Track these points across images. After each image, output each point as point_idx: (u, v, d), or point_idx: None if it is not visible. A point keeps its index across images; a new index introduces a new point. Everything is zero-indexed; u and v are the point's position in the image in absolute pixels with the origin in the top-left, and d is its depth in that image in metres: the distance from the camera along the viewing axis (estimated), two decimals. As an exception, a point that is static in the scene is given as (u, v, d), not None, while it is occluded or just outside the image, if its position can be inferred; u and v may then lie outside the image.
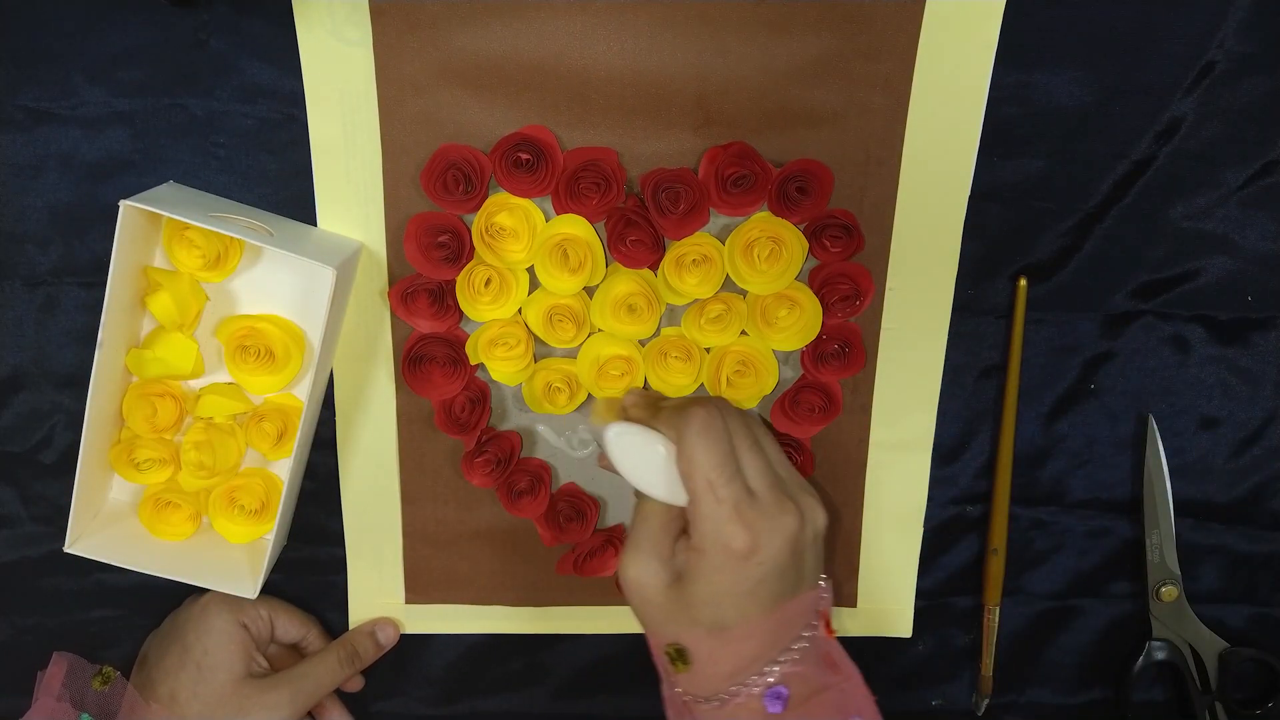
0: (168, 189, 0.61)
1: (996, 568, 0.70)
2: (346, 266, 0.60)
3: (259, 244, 0.58)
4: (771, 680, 0.54)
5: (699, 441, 0.54)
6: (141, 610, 0.71)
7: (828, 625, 0.58)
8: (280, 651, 0.69)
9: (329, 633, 0.71)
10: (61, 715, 0.62)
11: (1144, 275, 0.66)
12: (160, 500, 0.65)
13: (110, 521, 0.65)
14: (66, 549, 0.62)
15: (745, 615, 0.54)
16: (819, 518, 0.57)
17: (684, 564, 0.56)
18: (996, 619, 0.71)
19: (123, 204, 0.56)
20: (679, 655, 0.55)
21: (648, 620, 0.57)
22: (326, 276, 0.57)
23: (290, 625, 0.69)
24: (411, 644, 0.63)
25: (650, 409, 0.59)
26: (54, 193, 0.63)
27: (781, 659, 0.54)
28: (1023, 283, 0.65)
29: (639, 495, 0.58)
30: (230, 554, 0.65)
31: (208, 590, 0.65)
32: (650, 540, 0.56)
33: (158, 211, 0.56)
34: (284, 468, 0.64)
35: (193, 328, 0.63)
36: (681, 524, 0.57)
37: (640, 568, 0.56)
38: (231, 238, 0.59)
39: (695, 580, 0.54)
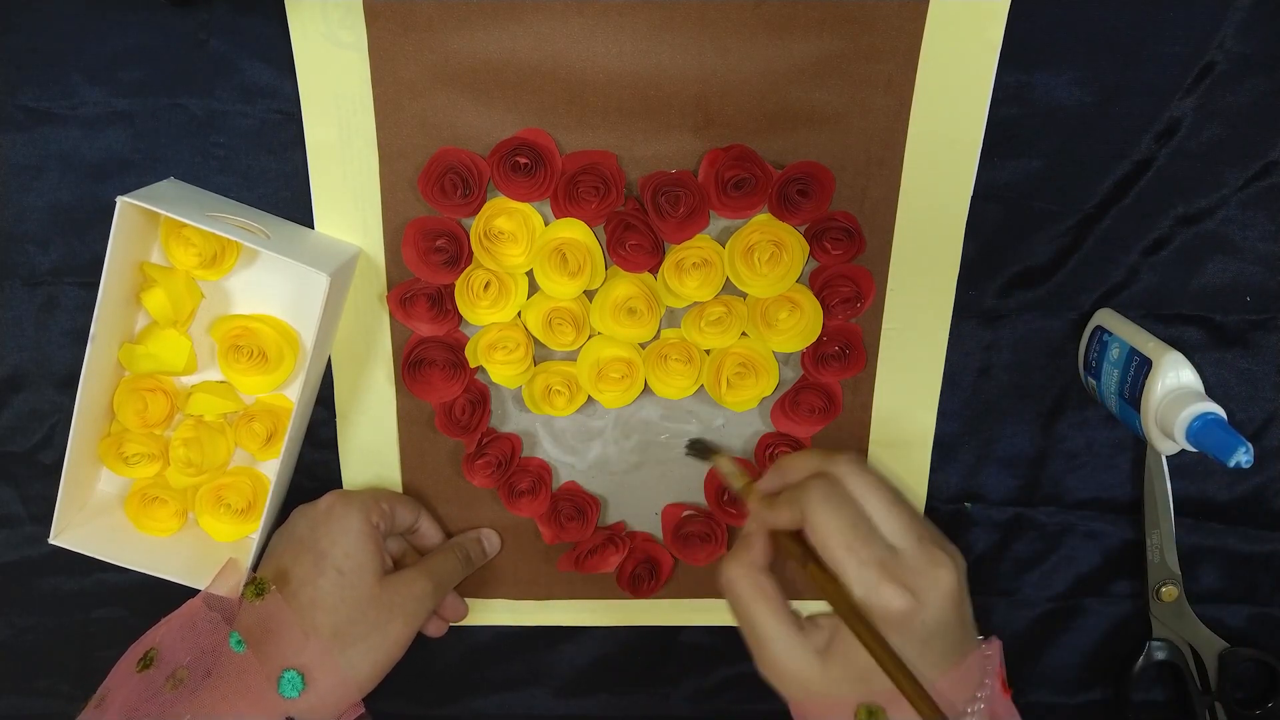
0: (168, 185, 0.61)
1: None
2: (342, 272, 0.60)
3: (254, 246, 0.58)
4: None
5: (822, 511, 0.53)
6: (141, 610, 0.71)
7: (1004, 683, 0.55)
8: (394, 542, 0.68)
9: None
10: (202, 621, 0.60)
11: (1143, 276, 0.65)
12: (147, 495, 0.65)
13: (96, 515, 0.65)
14: (51, 540, 0.62)
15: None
16: (964, 566, 0.54)
17: (832, 637, 0.53)
18: None
19: (119, 200, 0.56)
20: (871, 716, 0.51)
21: (810, 706, 0.53)
22: (321, 282, 0.57)
23: (406, 512, 0.67)
24: (411, 644, 0.63)
25: (769, 503, 0.57)
26: (54, 193, 0.63)
27: None
28: None
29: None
30: (215, 552, 0.65)
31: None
32: (778, 624, 0.53)
33: (154, 209, 0.56)
34: (272, 468, 0.64)
35: (187, 324, 0.63)
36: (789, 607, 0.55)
37: (789, 655, 0.53)
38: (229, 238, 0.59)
39: (856, 649, 0.51)
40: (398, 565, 0.66)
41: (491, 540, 0.70)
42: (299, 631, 0.59)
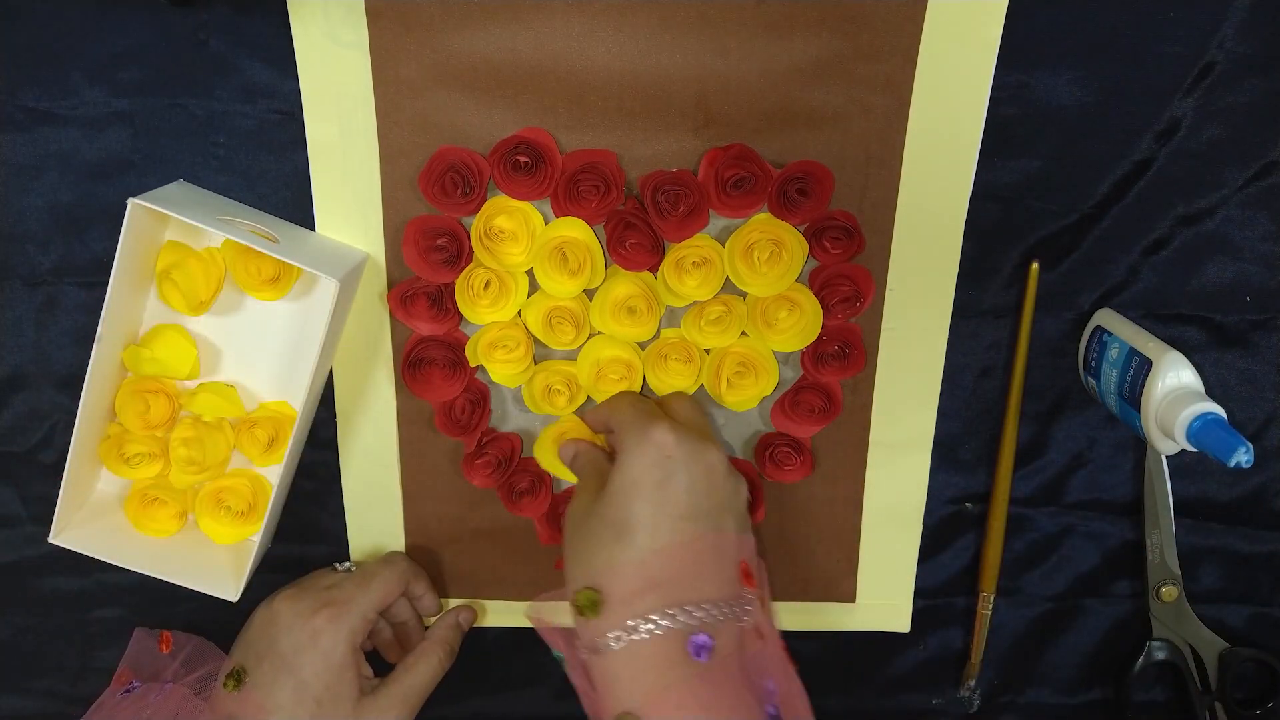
0: (176, 188, 0.61)
1: (993, 554, 0.70)
2: (350, 277, 0.60)
3: (266, 251, 0.57)
4: (694, 623, 0.53)
5: (618, 396, 0.64)
6: (141, 610, 0.71)
7: (746, 574, 0.57)
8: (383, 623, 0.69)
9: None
10: (176, 697, 0.61)
11: (1143, 276, 0.65)
12: (147, 496, 0.65)
13: (96, 515, 0.65)
14: (51, 540, 0.62)
15: (657, 523, 0.55)
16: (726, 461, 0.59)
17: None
18: (990, 607, 0.71)
19: (130, 202, 0.56)
20: (590, 604, 0.54)
21: (567, 553, 0.59)
22: (329, 287, 0.57)
23: (400, 606, 0.68)
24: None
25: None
26: (54, 193, 0.63)
27: (707, 606, 0.54)
28: (1035, 267, 0.64)
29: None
30: (214, 554, 0.65)
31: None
32: (587, 479, 0.61)
33: (164, 211, 0.56)
34: (273, 471, 0.64)
35: (206, 308, 0.62)
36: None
37: (575, 499, 0.61)
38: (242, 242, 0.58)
39: (615, 474, 0.57)
40: (379, 648, 0.69)
41: (466, 617, 0.71)
42: None
